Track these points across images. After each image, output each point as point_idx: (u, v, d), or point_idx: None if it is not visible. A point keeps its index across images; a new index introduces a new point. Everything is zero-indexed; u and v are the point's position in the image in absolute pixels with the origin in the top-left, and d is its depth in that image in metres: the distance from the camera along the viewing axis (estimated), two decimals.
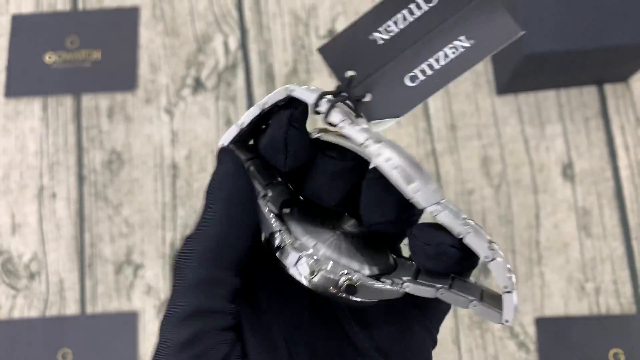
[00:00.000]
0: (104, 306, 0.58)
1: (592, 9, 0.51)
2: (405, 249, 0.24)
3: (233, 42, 0.63)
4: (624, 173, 0.58)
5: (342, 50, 0.25)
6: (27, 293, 0.58)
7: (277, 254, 0.24)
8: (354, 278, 0.23)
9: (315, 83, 0.60)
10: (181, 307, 0.22)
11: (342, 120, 0.22)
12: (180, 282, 0.23)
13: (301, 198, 0.26)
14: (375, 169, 0.23)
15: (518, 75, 0.55)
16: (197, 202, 0.59)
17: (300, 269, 0.23)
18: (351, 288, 0.23)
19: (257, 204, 0.24)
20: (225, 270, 0.23)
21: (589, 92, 0.60)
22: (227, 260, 0.24)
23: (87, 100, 0.62)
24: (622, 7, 0.51)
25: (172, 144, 0.61)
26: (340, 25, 0.63)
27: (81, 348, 0.57)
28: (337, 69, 0.25)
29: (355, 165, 0.24)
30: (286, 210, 0.25)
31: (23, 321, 0.58)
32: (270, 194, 0.25)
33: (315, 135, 0.25)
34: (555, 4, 0.51)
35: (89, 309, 0.58)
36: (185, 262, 0.23)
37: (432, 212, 0.21)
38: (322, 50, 0.25)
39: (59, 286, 0.58)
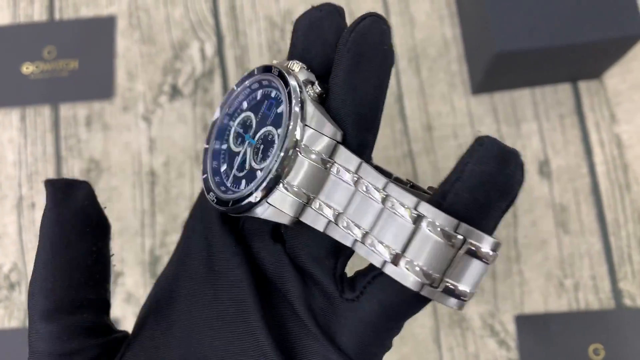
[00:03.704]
0: None
1: (562, 5, 0.52)
2: None
3: (209, 49, 0.63)
4: (600, 169, 0.58)
5: None
6: (7, 304, 0.58)
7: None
8: None
9: None
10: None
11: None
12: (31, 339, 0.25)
13: None
14: None
15: (491, 74, 0.56)
16: (176, 209, 0.59)
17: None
18: None
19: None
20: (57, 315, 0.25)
21: (564, 90, 0.60)
22: (55, 308, 0.25)
23: (65, 109, 0.62)
24: (592, 3, 0.52)
25: (150, 151, 0.61)
26: None
27: None
28: None
29: None
30: None
31: (4, 332, 0.57)
32: None
33: None
34: (524, 1, 0.52)
35: None
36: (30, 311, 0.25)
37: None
38: None
39: None
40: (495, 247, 0.21)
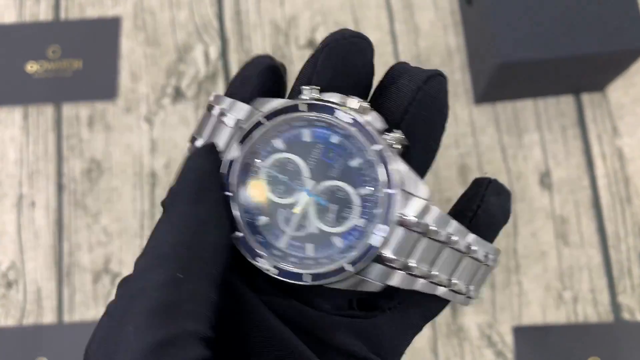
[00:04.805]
0: (81, 315, 0.58)
1: (565, 17, 0.52)
2: None
3: (213, 52, 0.63)
4: (601, 182, 0.58)
5: None
6: (4, 302, 0.58)
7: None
8: None
9: None
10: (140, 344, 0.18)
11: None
12: (134, 309, 0.19)
13: None
14: None
15: (494, 84, 0.56)
16: None
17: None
18: None
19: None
20: (203, 282, 0.20)
21: (566, 102, 0.60)
22: (204, 271, 0.20)
23: (68, 109, 0.62)
24: (595, 15, 0.52)
25: (151, 152, 0.61)
26: (320, 36, 0.63)
27: (58, 357, 0.57)
28: None
29: None
30: None
31: (0, 330, 0.57)
32: None
33: None
34: (529, 12, 0.52)
35: (67, 318, 0.58)
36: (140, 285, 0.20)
37: None
38: None
39: (37, 295, 0.58)
40: None
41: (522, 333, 0.55)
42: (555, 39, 0.51)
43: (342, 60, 0.23)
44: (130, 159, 0.61)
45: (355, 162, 0.22)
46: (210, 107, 0.24)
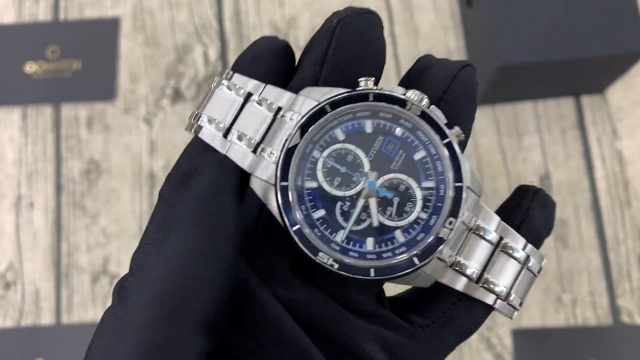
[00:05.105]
0: (79, 316, 0.57)
1: (566, 20, 0.52)
2: None
3: (213, 53, 0.63)
4: (601, 184, 0.58)
5: None
6: (2, 303, 0.58)
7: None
8: None
9: None
10: None
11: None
12: (119, 348, 0.18)
13: None
14: None
15: (494, 86, 0.56)
16: None
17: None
18: None
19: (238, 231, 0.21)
20: (190, 326, 0.18)
21: (566, 104, 0.60)
22: (192, 313, 0.19)
23: (67, 110, 0.62)
24: (595, 18, 0.52)
25: (150, 153, 0.61)
26: None
27: (56, 358, 0.57)
28: None
29: None
30: None
31: None
32: None
33: None
34: (529, 15, 0.52)
35: (65, 319, 0.57)
36: (130, 311, 0.19)
37: None
38: None
39: (35, 296, 0.58)
40: None
41: (521, 336, 0.55)
42: (555, 42, 0.51)
43: (357, 36, 0.22)
44: (129, 160, 0.61)
45: (419, 155, 0.22)
46: (229, 87, 0.22)
